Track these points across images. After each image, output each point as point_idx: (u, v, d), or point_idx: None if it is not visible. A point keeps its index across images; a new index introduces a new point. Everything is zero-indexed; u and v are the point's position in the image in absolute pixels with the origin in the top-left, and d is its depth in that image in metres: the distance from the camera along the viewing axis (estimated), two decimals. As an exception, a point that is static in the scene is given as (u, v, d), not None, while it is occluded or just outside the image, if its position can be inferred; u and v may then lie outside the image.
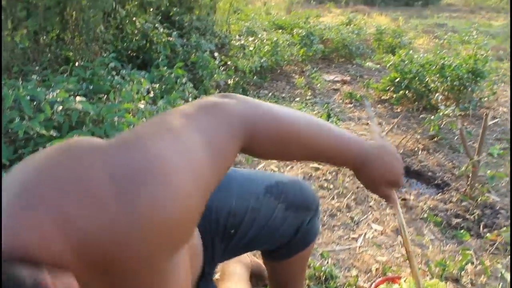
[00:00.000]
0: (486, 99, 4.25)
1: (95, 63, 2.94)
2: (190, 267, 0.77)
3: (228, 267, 1.45)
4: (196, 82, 3.81)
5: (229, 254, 1.10)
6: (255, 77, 4.56)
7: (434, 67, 4.03)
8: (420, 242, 2.09)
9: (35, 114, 1.96)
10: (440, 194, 2.58)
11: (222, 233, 1.02)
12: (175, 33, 4.10)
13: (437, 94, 3.90)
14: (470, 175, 2.45)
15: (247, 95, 4.06)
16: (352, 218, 2.28)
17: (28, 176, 0.40)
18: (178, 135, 0.48)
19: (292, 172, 2.76)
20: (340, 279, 1.80)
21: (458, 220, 2.27)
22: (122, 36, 3.86)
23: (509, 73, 5.26)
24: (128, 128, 2.08)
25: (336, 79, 5.12)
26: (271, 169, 2.81)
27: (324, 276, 1.77)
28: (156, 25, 4.07)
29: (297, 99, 4.29)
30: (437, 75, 4.00)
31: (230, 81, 4.22)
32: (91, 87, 2.69)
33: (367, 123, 3.67)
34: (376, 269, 1.88)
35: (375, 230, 2.20)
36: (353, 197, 2.48)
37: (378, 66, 5.74)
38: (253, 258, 1.65)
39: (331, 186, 2.58)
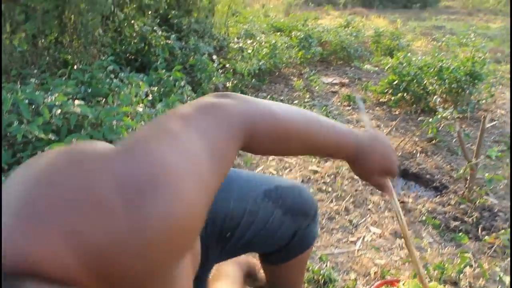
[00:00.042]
0: (484, 101, 4.26)
1: (93, 66, 2.94)
2: (192, 270, 0.77)
3: (222, 268, 1.45)
4: (194, 85, 3.82)
5: (225, 256, 1.10)
6: (253, 79, 4.56)
7: (432, 69, 4.04)
8: (418, 245, 2.09)
9: (33, 118, 1.96)
10: (438, 196, 2.58)
11: (218, 235, 1.02)
12: (173, 36, 4.10)
13: (435, 97, 3.91)
14: (468, 178, 2.45)
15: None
16: (350, 221, 2.28)
17: (32, 186, 0.39)
18: (181, 140, 0.48)
19: (290, 175, 2.76)
20: (339, 282, 1.80)
21: (457, 223, 2.28)
22: (120, 39, 3.86)
23: (506, 75, 5.28)
24: (126, 131, 2.08)
25: (334, 81, 5.12)
26: (269, 172, 2.81)
27: (322, 280, 1.77)
28: (155, 28, 4.07)
29: (296, 101, 4.29)
30: (435, 77, 4.01)
31: (228, 84, 4.22)
32: (89, 90, 2.69)
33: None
34: (375, 272, 1.88)
35: (374, 233, 2.20)
36: (351, 200, 2.48)
37: (377, 68, 5.76)
38: (248, 258, 1.65)
39: (330, 189, 2.58)
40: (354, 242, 2.12)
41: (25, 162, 0.46)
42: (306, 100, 4.37)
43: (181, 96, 3.04)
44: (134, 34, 3.93)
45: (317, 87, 4.72)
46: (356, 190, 2.58)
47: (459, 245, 2.11)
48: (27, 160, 0.47)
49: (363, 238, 2.15)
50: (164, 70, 3.30)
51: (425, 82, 4.05)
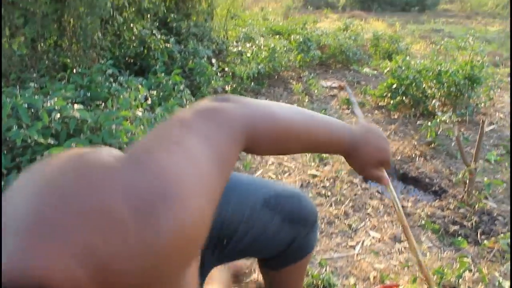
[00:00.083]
0: (482, 105, 4.27)
1: (92, 69, 2.94)
2: (197, 275, 0.77)
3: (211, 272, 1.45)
4: (193, 88, 3.82)
5: (222, 261, 1.10)
6: (252, 83, 4.56)
7: (431, 73, 4.04)
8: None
9: (33, 122, 1.96)
10: (437, 201, 2.59)
11: (216, 241, 1.02)
12: (172, 39, 4.11)
13: (434, 100, 3.92)
14: (467, 182, 2.45)
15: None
16: (350, 226, 2.28)
17: (40, 199, 0.38)
18: (186, 148, 0.47)
19: (289, 179, 2.76)
20: (338, 287, 1.80)
21: (456, 227, 2.28)
22: (119, 43, 3.86)
23: (505, 79, 5.29)
24: (126, 136, 2.08)
25: (333, 85, 5.13)
26: (268, 176, 2.81)
27: (322, 285, 1.77)
28: (154, 31, 4.07)
29: (295, 105, 4.28)
30: (434, 81, 4.01)
31: (227, 88, 4.22)
32: (88, 94, 2.69)
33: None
34: (374, 277, 1.88)
35: (373, 238, 2.20)
36: (350, 204, 2.48)
37: (375, 72, 5.76)
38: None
39: (329, 193, 2.58)
40: (354, 247, 2.12)
41: (27, 169, 0.45)
42: (305, 103, 4.37)
43: (180, 100, 3.05)
44: (133, 38, 3.93)
45: (316, 90, 4.72)
46: (355, 194, 2.58)
47: (458, 249, 2.11)
48: (29, 167, 0.46)
49: (363, 243, 2.15)
50: (163, 74, 3.31)
51: (424, 86, 4.05)
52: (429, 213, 2.40)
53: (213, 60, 4.32)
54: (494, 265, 1.98)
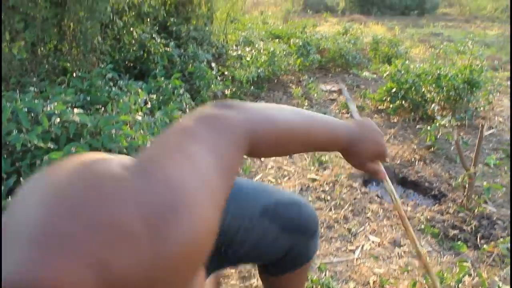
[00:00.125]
0: (482, 109, 4.28)
1: (92, 74, 2.94)
2: (203, 279, 0.77)
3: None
4: (193, 92, 3.82)
5: (220, 267, 1.10)
6: (252, 87, 4.57)
7: (430, 77, 4.05)
8: (417, 254, 2.09)
9: (32, 127, 1.96)
10: (437, 205, 2.59)
11: (213, 249, 1.01)
12: (172, 43, 4.12)
13: (433, 105, 3.93)
14: (466, 186, 2.45)
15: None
16: (349, 230, 2.28)
17: (49, 210, 0.37)
18: (192, 158, 0.48)
19: (289, 183, 2.77)
20: (338, 291, 1.80)
21: (455, 231, 2.28)
22: (119, 47, 3.87)
23: (504, 83, 5.30)
24: (125, 140, 2.09)
25: (333, 89, 5.13)
26: (268, 180, 2.81)
27: (321, 289, 1.77)
28: (154, 35, 4.08)
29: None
30: (433, 85, 4.02)
31: (227, 91, 4.23)
32: (88, 98, 2.70)
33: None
34: (374, 282, 1.87)
35: (373, 242, 2.20)
36: (350, 208, 2.48)
37: (375, 76, 5.77)
38: None
39: (328, 198, 2.58)
40: (353, 251, 2.12)
41: (33, 177, 0.45)
42: (304, 107, 4.38)
43: (180, 104, 3.05)
44: (133, 42, 3.94)
45: (315, 94, 4.73)
46: (355, 199, 2.58)
47: (458, 253, 2.11)
48: (34, 174, 0.46)
49: (362, 247, 2.15)
50: (163, 78, 3.31)
51: (423, 90, 4.06)
52: (428, 217, 2.40)
53: (213, 64, 4.33)
54: (493, 269, 1.98)
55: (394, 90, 4.15)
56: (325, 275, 1.90)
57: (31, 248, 0.35)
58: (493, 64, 6.32)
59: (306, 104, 4.49)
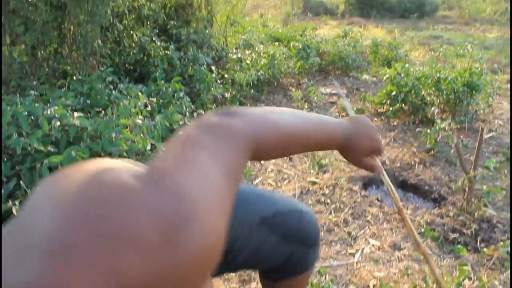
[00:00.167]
0: (481, 111, 4.28)
1: (92, 77, 2.95)
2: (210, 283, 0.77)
3: None
4: (193, 95, 3.83)
5: (219, 273, 1.10)
6: (252, 90, 4.57)
7: (430, 80, 4.05)
8: (417, 258, 2.09)
9: (33, 130, 1.96)
10: (437, 208, 2.59)
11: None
12: (172, 46, 4.12)
13: (433, 108, 3.93)
14: (466, 190, 2.46)
15: (244, 109, 4.10)
16: (349, 233, 2.28)
17: (62, 220, 0.38)
18: (201, 168, 0.49)
19: (289, 186, 2.77)
20: (338, 295, 1.80)
21: (455, 234, 2.28)
22: (119, 50, 3.87)
23: (503, 86, 5.30)
24: (125, 144, 2.09)
25: (333, 92, 5.14)
26: (268, 183, 2.81)
27: (322, 293, 1.77)
28: (154, 38, 4.09)
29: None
30: (433, 88, 4.03)
31: (227, 95, 4.23)
32: (88, 101, 2.70)
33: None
34: (374, 285, 1.87)
35: (373, 245, 2.20)
36: (350, 211, 2.48)
37: (375, 79, 5.77)
38: None
39: (328, 201, 2.58)
40: (353, 254, 2.12)
41: (42, 184, 0.45)
42: (304, 110, 4.38)
43: (180, 108, 3.05)
44: (133, 45, 3.94)
45: (315, 97, 4.73)
46: (354, 202, 2.58)
47: (458, 257, 2.10)
48: (43, 181, 0.47)
49: (362, 250, 2.15)
50: (163, 81, 3.32)
51: (423, 93, 4.07)
52: (428, 221, 2.40)
53: (213, 67, 4.33)
54: (493, 273, 1.98)
55: (394, 93, 4.15)
56: (325, 278, 1.90)
57: (43, 258, 0.35)
58: (493, 67, 6.32)
59: (306, 107, 4.49)
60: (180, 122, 2.80)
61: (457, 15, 16.16)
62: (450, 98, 3.99)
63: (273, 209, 1.05)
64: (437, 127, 3.04)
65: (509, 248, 1.98)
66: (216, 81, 4.05)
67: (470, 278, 1.91)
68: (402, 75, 4.20)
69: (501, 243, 2.13)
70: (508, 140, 3.71)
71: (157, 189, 0.42)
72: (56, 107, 2.14)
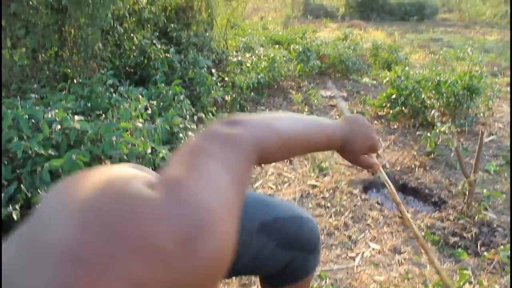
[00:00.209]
0: (481, 115, 4.28)
1: (93, 80, 2.95)
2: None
3: None
4: (193, 98, 3.83)
5: None
6: (252, 93, 4.57)
7: (430, 83, 4.06)
8: (417, 262, 2.09)
9: (33, 134, 1.96)
10: (437, 212, 2.59)
11: None
12: (172, 49, 4.13)
13: (433, 111, 3.93)
14: (466, 193, 2.46)
15: (244, 112, 4.07)
16: (349, 237, 2.28)
17: (81, 227, 0.39)
18: (212, 178, 0.51)
19: (289, 189, 2.77)
20: (338, 299, 1.79)
21: (456, 238, 2.27)
22: (120, 53, 3.88)
23: (503, 89, 5.31)
24: (126, 147, 2.09)
25: (333, 94, 5.14)
26: (268, 187, 2.81)
27: (322, 297, 1.77)
28: (154, 41, 4.09)
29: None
30: (433, 91, 4.03)
31: (227, 98, 4.23)
32: (89, 104, 2.70)
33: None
34: (374, 289, 1.87)
35: (373, 249, 2.19)
36: (350, 215, 2.48)
37: (375, 82, 5.78)
38: None
39: (329, 204, 2.58)
40: (353, 258, 2.12)
41: (53, 193, 0.47)
42: (304, 113, 4.38)
43: (180, 111, 3.05)
44: (134, 48, 3.95)
45: (315, 100, 4.73)
46: (355, 205, 2.58)
47: (458, 261, 2.10)
48: (53, 190, 0.48)
49: (362, 254, 2.15)
50: (163, 84, 3.32)
51: (423, 96, 4.07)
52: (428, 224, 2.40)
53: (213, 70, 4.34)
54: (494, 277, 1.98)
55: (394, 96, 4.16)
56: (326, 282, 1.90)
57: (61, 265, 0.36)
58: (493, 70, 6.33)
59: (306, 110, 4.49)
60: (181, 125, 2.80)
61: (457, 18, 16.19)
62: (450, 101, 3.99)
63: (273, 214, 1.05)
64: (437, 131, 3.04)
65: (509, 252, 1.98)
66: (217, 84, 4.05)
67: (470, 282, 1.91)
68: (402, 78, 4.20)
69: (502, 247, 2.13)
70: (508, 144, 3.71)
71: (172, 199, 0.44)
72: (56, 111, 2.14)
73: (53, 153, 1.94)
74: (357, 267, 2.05)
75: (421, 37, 10.51)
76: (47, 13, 2.90)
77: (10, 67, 2.76)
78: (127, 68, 3.94)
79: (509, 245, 2.11)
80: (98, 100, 2.74)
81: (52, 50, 3.23)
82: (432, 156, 3.34)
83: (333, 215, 2.47)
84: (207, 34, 5.08)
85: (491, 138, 3.83)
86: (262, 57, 5.18)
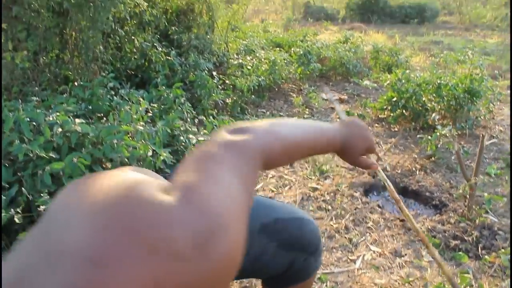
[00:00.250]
0: (482, 118, 4.28)
1: (94, 82, 2.96)
2: None
3: None
4: (194, 101, 3.83)
5: None
6: (253, 96, 4.57)
7: (430, 86, 4.06)
8: (418, 265, 2.09)
9: (35, 136, 1.97)
10: (438, 215, 2.59)
11: None
12: (173, 52, 4.13)
13: (434, 114, 3.93)
14: (467, 196, 2.45)
15: (245, 114, 4.07)
16: (350, 240, 2.28)
17: (102, 231, 0.40)
18: (223, 182, 0.53)
19: (290, 192, 2.77)
20: (339, 303, 1.79)
21: (457, 241, 2.27)
22: (121, 56, 3.88)
23: (504, 92, 5.31)
24: (127, 150, 2.09)
25: (333, 97, 5.14)
26: (269, 189, 2.81)
27: (323, 300, 1.77)
28: (155, 44, 4.10)
29: (295, 118, 4.31)
30: (434, 94, 4.03)
31: (228, 100, 4.23)
32: (90, 107, 2.71)
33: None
34: (375, 293, 1.87)
35: (374, 252, 2.19)
36: (351, 218, 2.48)
37: (375, 84, 5.78)
38: None
39: (329, 207, 2.58)
40: (354, 261, 2.12)
41: (66, 193, 0.48)
42: (305, 116, 4.39)
43: (181, 113, 3.06)
44: (135, 50, 3.95)
45: (316, 103, 4.74)
46: (355, 208, 2.58)
47: (459, 264, 2.10)
48: (62, 193, 0.49)
49: (363, 257, 2.15)
50: (164, 87, 3.32)
51: (424, 99, 4.07)
52: (429, 227, 2.40)
53: (214, 73, 4.34)
54: (495, 280, 1.98)
55: (394, 99, 4.16)
56: (326, 285, 1.90)
57: (84, 268, 0.37)
58: (493, 73, 6.34)
59: (307, 112, 4.50)
60: (181, 128, 2.81)
61: (457, 21, 16.20)
62: (451, 104, 3.99)
63: (274, 216, 1.07)
64: (438, 134, 3.04)
65: (510, 256, 1.98)
66: (217, 86, 4.05)
67: (471, 286, 1.90)
68: (403, 81, 4.20)
69: (503, 250, 2.12)
70: (509, 147, 3.71)
71: (187, 204, 0.46)
72: (58, 113, 2.14)
73: (54, 156, 1.94)
74: (357, 270, 2.05)
75: (421, 40, 10.52)
76: (48, 16, 2.90)
77: (12, 70, 2.76)
78: (128, 71, 3.94)
79: (509, 248, 2.11)
80: (99, 103, 2.75)
81: (53, 53, 3.23)
82: (432, 159, 3.34)
83: (334, 218, 2.47)
84: (208, 36, 5.08)
85: (492, 141, 3.83)
86: (263, 59, 5.18)
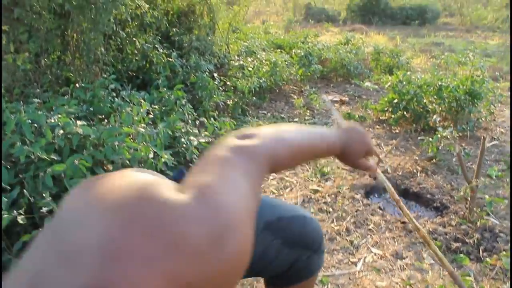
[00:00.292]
0: (483, 119, 4.28)
1: (95, 84, 2.96)
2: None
3: None
4: (195, 102, 3.84)
5: None
6: (254, 97, 4.58)
7: (431, 88, 4.06)
8: (419, 267, 2.09)
9: (36, 138, 1.97)
10: (439, 217, 2.58)
11: None
12: (174, 53, 4.13)
13: (435, 116, 3.93)
14: (468, 198, 2.45)
15: (246, 116, 4.07)
16: (351, 242, 2.28)
17: (121, 228, 0.42)
18: (235, 185, 0.56)
19: (291, 194, 2.77)
20: (340, 305, 1.79)
21: (458, 244, 2.27)
22: (122, 57, 3.89)
23: (505, 93, 5.30)
24: (128, 152, 2.09)
25: (334, 99, 5.15)
26: (270, 191, 2.81)
27: (324, 302, 1.77)
28: (156, 45, 4.10)
29: (296, 119, 4.31)
30: (435, 96, 4.03)
31: (229, 102, 4.23)
32: (91, 108, 2.71)
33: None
34: (376, 295, 1.87)
35: (375, 254, 2.19)
36: (352, 220, 2.48)
37: (376, 86, 5.78)
38: None
39: (330, 209, 2.58)
40: (355, 263, 2.12)
41: (77, 194, 0.50)
42: (306, 118, 4.39)
43: (182, 115, 3.06)
44: (136, 52, 3.96)
45: (317, 105, 4.74)
46: (357, 210, 2.58)
47: (460, 266, 2.10)
48: (71, 194, 0.51)
49: (364, 259, 2.15)
50: (165, 89, 3.33)
51: (425, 101, 4.07)
52: (430, 230, 2.40)
53: (215, 74, 4.34)
54: (496, 282, 1.98)
55: (395, 101, 4.16)
56: (327, 287, 1.90)
57: (103, 264, 0.39)
58: (494, 74, 6.33)
59: (308, 114, 4.50)
60: (183, 130, 2.81)
61: (458, 22, 16.20)
62: (452, 106, 3.99)
63: (277, 214, 1.09)
64: (439, 135, 3.04)
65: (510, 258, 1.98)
66: (218, 88, 4.05)
67: (472, 288, 1.90)
68: (404, 82, 4.20)
69: (504, 252, 2.12)
70: (510, 148, 3.70)
71: (202, 202, 0.49)
72: (59, 115, 2.14)
73: (55, 158, 1.95)
74: (359, 272, 2.04)
75: (422, 42, 10.52)
76: (50, 18, 2.91)
77: (13, 72, 2.76)
78: (129, 73, 3.94)
79: (510, 250, 2.11)
80: (100, 104, 2.75)
81: (55, 55, 3.24)
82: (434, 161, 3.34)
83: (335, 220, 2.47)
84: (209, 38, 5.08)
85: (493, 143, 3.83)
86: (264, 61, 5.18)
